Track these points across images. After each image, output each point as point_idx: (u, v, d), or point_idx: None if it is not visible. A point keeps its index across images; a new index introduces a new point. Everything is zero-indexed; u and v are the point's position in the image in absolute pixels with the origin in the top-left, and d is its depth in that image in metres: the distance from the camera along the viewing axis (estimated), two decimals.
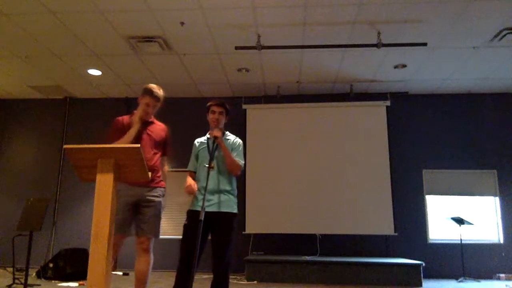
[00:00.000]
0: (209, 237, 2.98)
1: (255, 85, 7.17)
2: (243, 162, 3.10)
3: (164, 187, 3.12)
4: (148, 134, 3.08)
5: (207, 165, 2.85)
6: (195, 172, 3.11)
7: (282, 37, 5.45)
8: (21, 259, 6.13)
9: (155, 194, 3.01)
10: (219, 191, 2.95)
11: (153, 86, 3.11)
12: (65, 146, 2.09)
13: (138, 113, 3.05)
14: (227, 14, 4.94)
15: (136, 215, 2.97)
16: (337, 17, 4.98)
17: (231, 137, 3.18)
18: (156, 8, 4.80)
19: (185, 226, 2.95)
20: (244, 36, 5.43)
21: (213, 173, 2.93)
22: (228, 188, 3.00)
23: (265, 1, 4.65)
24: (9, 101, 7.95)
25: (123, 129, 3.02)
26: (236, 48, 5.54)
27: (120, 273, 6.41)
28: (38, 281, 5.30)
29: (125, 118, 3.13)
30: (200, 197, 2.97)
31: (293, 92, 7.46)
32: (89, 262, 1.99)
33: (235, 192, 3.08)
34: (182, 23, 5.14)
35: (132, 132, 2.97)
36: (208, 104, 3.15)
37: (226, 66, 6.43)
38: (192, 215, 2.94)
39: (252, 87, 7.27)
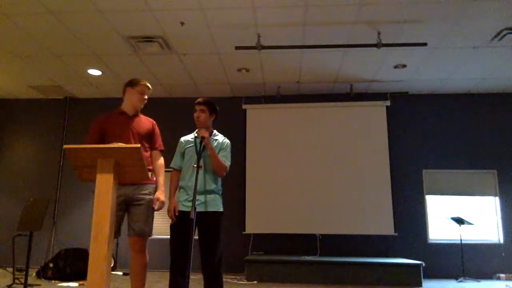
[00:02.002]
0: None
1: (255, 85, 7.17)
2: (229, 163, 3.07)
3: (153, 184, 3.04)
4: (131, 129, 3.02)
5: (195, 165, 2.83)
6: (180, 170, 3.09)
7: (282, 37, 5.45)
8: (21, 259, 6.14)
9: (145, 191, 2.95)
10: (205, 191, 2.93)
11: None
12: (65, 146, 2.09)
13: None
14: (227, 14, 4.94)
15: (127, 214, 2.93)
16: (337, 17, 4.98)
17: (219, 137, 3.15)
18: (156, 8, 4.80)
19: (172, 226, 2.94)
20: (244, 36, 5.43)
21: (199, 172, 2.92)
22: (213, 187, 2.98)
23: (265, 1, 4.65)
24: (9, 101, 7.96)
25: (104, 130, 2.97)
26: (236, 48, 5.54)
27: (120, 273, 6.41)
28: (38, 281, 5.31)
29: (105, 116, 3.06)
30: (184, 197, 2.96)
31: (293, 92, 7.46)
32: (89, 262, 1.99)
33: (220, 191, 3.07)
34: (182, 23, 5.14)
35: None
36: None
37: (226, 66, 6.43)
38: (178, 215, 2.92)
39: (252, 87, 7.27)
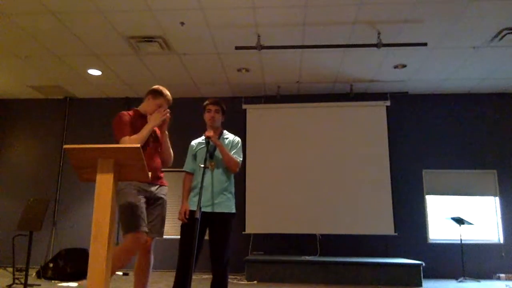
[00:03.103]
0: (206, 237, 2.97)
1: (255, 85, 7.17)
2: (241, 159, 3.11)
3: (167, 186, 3.08)
4: (155, 133, 3.04)
5: (201, 165, 2.84)
6: (192, 174, 3.11)
7: (282, 37, 5.45)
8: (21, 259, 6.14)
9: (164, 192, 2.99)
10: (217, 191, 2.94)
11: (163, 88, 3.06)
12: (65, 146, 2.09)
13: (154, 118, 2.91)
14: (227, 14, 4.94)
15: None
16: (337, 17, 4.98)
17: (229, 136, 3.19)
18: (156, 8, 4.81)
19: (182, 226, 2.97)
20: (244, 36, 5.43)
21: (211, 173, 2.93)
22: (226, 188, 2.99)
23: (265, 1, 4.65)
24: (9, 101, 7.96)
25: (132, 128, 2.93)
26: (236, 48, 5.54)
27: (120, 273, 6.41)
28: (38, 281, 5.30)
29: (128, 115, 3.02)
30: (197, 198, 2.97)
31: (293, 92, 7.46)
32: (89, 262, 1.99)
33: (233, 191, 3.09)
34: (182, 23, 5.14)
35: (149, 127, 2.86)
36: (204, 103, 3.15)
37: (226, 66, 6.43)
38: (189, 215, 2.94)
39: (252, 87, 7.27)
